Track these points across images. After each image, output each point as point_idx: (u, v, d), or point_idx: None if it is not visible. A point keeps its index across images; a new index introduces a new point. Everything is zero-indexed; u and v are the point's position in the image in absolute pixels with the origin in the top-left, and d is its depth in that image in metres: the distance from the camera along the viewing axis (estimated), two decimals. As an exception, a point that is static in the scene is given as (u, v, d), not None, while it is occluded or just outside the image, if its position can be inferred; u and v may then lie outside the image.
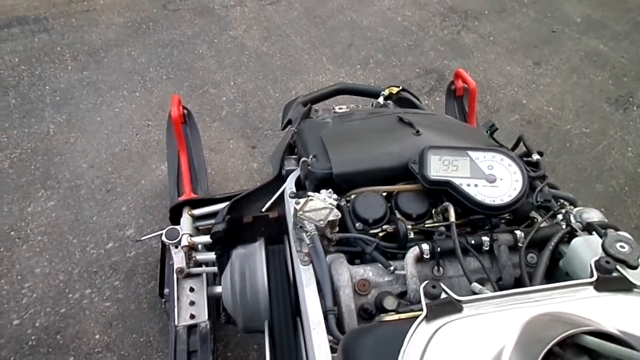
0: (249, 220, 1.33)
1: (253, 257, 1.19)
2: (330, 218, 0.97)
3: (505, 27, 3.39)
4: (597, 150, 2.59)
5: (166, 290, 1.74)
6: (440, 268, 0.96)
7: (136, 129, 2.52)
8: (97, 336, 1.76)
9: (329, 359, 0.74)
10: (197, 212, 1.63)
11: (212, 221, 1.65)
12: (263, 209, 1.35)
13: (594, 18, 3.50)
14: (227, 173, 2.36)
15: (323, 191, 1.03)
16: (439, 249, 0.94)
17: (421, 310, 0.64)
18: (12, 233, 2.05)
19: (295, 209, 0.98)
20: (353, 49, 3.10)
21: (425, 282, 0.64)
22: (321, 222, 0.96)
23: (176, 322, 1.64)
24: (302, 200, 0.99)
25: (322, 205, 0.98)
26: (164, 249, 1.82)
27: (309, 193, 1.02)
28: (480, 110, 2.73)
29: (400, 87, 1.72)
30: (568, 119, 2.76)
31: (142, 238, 1.87)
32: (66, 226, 2.08)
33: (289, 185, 1.22)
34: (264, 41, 3.11)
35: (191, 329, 1.64)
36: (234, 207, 1.33)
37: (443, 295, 0.63)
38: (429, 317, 0.60)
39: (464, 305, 0.62)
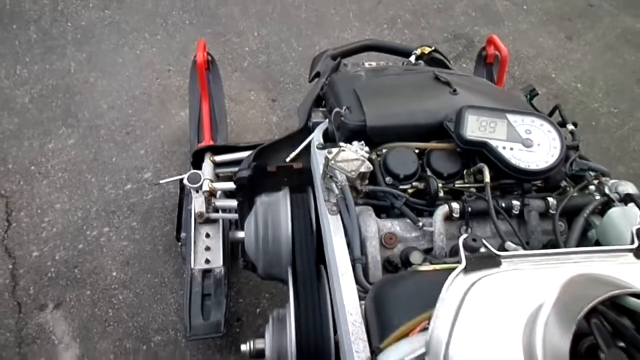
0: (272, 170, 1.33)
1: (277, 204, 1.20)
2: (362, 170, 0.96)
3: (541, -4, 3.26)
4: (623, 131, 2.54)
5: (183, 234, 1.76)
6: (469, 228, 0.96)
7: (157, 73, 2.49)
8: (114, 273, 1.80)
9: (357, 305, 0.75)
10: (218, 159, 1.63)
11: (233, 169, 1.66)
12: (287, 160, 1.34)
13: (635, -7, 3.34)
14: (246, 124, 2.34)
15: (355, 143, 1.02)
16: (469, 209, 0.94)
17: (455, 263, 0.64)
18: (33, 168, 2.06)
19: (327, 158, 0.97)
20: (381, 7, 3.00)
21: (465, 235, 0.63)
22: (352, 173, 0.95)
23: (192, 266, 1.67)
24: (334, 150, 0.98)
25: (354, 156, 0.97)
26: (182, 193, 1.84)
27: (341, 144, 1.00)
28: (507, 81, 2.66)
29: (433, 48, 1.67)
30: (597, 97, 2.69)
31: (162, 182, 1.89)
32: (85, 165, 2.09)
33: (317, 137, 1.21)
34: (291, -8, 3.02)
35: (206, 273, 1.68)
36: (259, 155, 1.32)
37: (482, 250, 0.63)
38: (468, 269, 0.60)
39: (502, 260, 0.62)
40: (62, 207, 1.96)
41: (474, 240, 0.63)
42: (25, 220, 1.91)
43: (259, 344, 1.00)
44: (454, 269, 0.61)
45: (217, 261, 1.69)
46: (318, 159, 1.12)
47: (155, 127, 2.25)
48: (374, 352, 0.60)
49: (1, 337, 1.63)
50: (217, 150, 1.64)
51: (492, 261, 0.61)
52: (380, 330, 0.66)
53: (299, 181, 1.33)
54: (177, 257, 1.84)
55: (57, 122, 2.23)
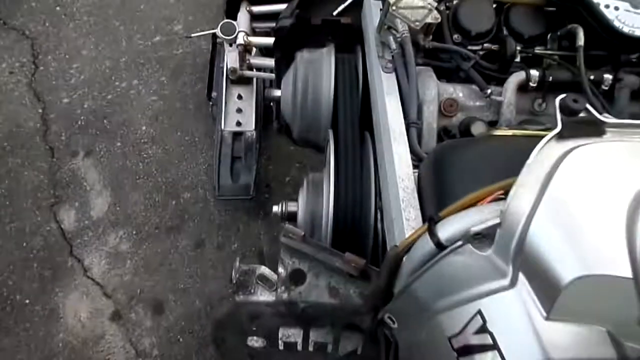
0: (317, 23, 1.17)
1: (320, 62, 1.06)
2: (428, 20, 0.81)
3: None
4: None
5: (214, 94, 1.67)
6: (544, 102, 0.82)
7: None
8: (144, 127, 1.75)
9: (410, 171, 0.66)
10: (256, 9, 1.45)
11: (271, 24, 1.49)
12: (335, 12, 1.18)
13: None
14: (287, -21, 2.09)
15: (423, -12, 0.85)
16: (550, 78, 0.79)
17: (541, 130, 0.52)
18: (58, 9, 1.93)
19: (387, 3, 0.81)
20: None
21: (564, 95, 0.51)
22: (417, 24, 0.80)
23: (222, 127, 1.60)
24: (397, -6, 0.81)
25: (420, 3, 0.81)
26: (215, 49, 1.70)
27: (406, -13, 0.83)
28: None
29: None
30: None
31: (193, 35, 1.74)
32: (112, 10, 1.94)
33: (373, -16, 1.03)
34: None
35: (236, 135, 1.61)
36: (304, 3, 1.16)
37: (583, 114, 0.51)
38: (563, 135, 0.48)
39: (607, 128, 0.50)
40: (89, 55, 1.86)
41: (575, 100, 0.51)
42: (52, 65, 1.83)
43: (292, 206, 0.95)
44: (539, 136, 0.50)
45: (249, 124, 1.61)
46: (372, 8, 0.96)
47: (186, -27, 2.03)
48: (432, 220, 0.52)
49: (36, 179, 1.65)
50: (254, -1, 1.45)
51: (594, 128, 0.49)
52: (439, 199, 0.57)
53: (346, 39, 1.18)
54: (208, 117, 1.77)
55: (80, -41, 2.03)
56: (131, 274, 1.56)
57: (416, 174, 0.68)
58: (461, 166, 0.56)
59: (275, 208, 0.96)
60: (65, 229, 1.60)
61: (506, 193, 0.48)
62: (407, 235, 0.56)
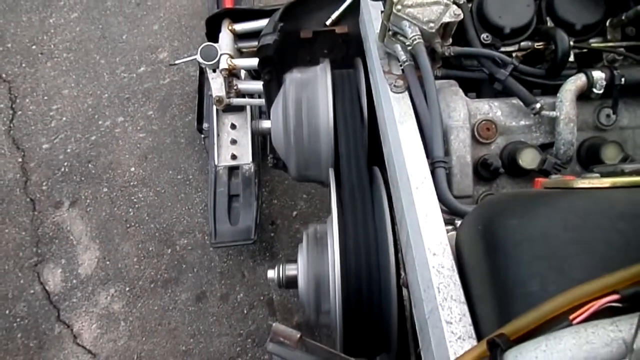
0: (307, 36, 0.99)
1: (314, 83, 0.87)
2: (446, 19, 0.60)
3: None
4: None
5: (205, 125, 1.49)
6: (614, 113, 0.61)
7: None
8: (132, 169, 1.58)
9: (444, 239, 0.45)
10: (239, 27, 1.27)
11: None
12: (328, 22, 0.99)
13: None
14: (278, -9, 1.92)
15: (435, -22, 0.64)
16: (622, 80, 0.58)
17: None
18: (34, 47, 1.79)
19: (390, 1, 0.61)
20: None
21: None
22: (431, 25, 0.60)
23: (216, 162, 1.42)
24: (401, -12, 0.61)
25: (433, -3, 0.61)
26: (202, 76, 1.53)
27: (413, -21, 0.63)
28: None
29: None
30: None
31: (177, 62, 1.57)
32: (92, 43, 1.79)
33: (370, -16, 0.83)
34: None
35: (233, 170, 1.43)
36: (289, 14, 0.97)
37: None
38: None
39: None
40: (70, 93, 1.71)
41: None
42: (31, 108, 1.69)
43: (291, 269, 0.75)
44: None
45: (246, 157, 1.43)
46: (372, 11, 0.77)
47: (169, -4, 1.88)
48: (496, 347, 0.31)
49: (17, 236, 1.49)
50: (236, 15, 1.27)
51: None
52: (499, 295, 0.36)
53: (345, 52, 1.00)
54: (201, 151, 1.60)
55: (56, -8, 1.89)
56: (126, 338, 1.38)
57: (451, 236, 0.48)
58: (532, 242, 0.35)
59: (270, 273, 0.76)
60: (51, 291, 1.43)
61: (627, 299, 0.28)
62: (450, 357, 0.36)
